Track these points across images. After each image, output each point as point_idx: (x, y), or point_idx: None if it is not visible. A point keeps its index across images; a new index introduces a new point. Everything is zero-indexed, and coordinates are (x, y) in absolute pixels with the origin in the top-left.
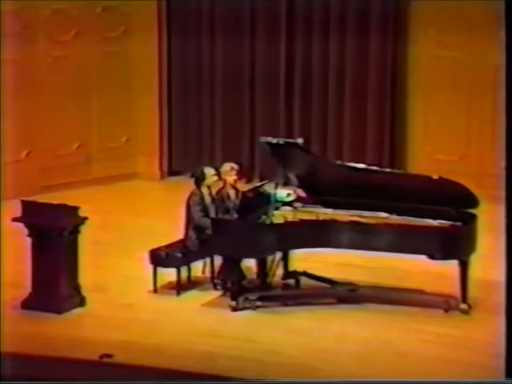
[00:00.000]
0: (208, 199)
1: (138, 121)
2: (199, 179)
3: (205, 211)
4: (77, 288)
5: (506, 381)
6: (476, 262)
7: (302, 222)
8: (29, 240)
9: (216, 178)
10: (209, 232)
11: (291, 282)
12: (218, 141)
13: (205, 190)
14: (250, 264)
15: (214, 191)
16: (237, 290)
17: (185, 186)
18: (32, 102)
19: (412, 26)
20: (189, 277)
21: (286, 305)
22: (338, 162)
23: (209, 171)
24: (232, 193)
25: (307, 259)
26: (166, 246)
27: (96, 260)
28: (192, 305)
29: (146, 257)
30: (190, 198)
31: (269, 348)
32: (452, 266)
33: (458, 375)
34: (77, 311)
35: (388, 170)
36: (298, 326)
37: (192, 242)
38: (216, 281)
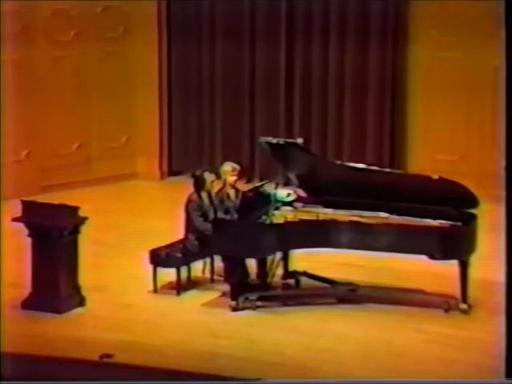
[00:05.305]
0: (207, 202)
1: (138, 121)
2: (199, 185)
3: (204, 215)
4: (77, 288)
5: (506, 381)
6: (476, 262)
7: (302, 222)
8: (29, 240)
9: (216, 182)
10: (209, 233)
11: (291, 281)
12: (218, 141)
13: (204, 195)
14: (249, 264)
15: (213, 192)
16: (238, 289)
17: (185, 186)
18: (32, 102)
19: (412, 27)
20: (189, 277)
21: (286, 305)
22: (338, 162)
23: (209, 177)
24: (232, 193)
25: (307, 259)
26: (166, 246)
27: (96, 260)
28: (192, 305)
29: (146, 257)
30: (188, 203)
31: (269, 348)
32: (452, 266)
33: (458, 375)
34: (77, 311)
35: (388, 170)
36: (297, 326)
37: (192, 243)
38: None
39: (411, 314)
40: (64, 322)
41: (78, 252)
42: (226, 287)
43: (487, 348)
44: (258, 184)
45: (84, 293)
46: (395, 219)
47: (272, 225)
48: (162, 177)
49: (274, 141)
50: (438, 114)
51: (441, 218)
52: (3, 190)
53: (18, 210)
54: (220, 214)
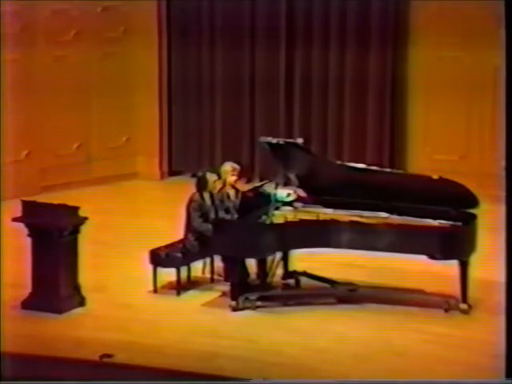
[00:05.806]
0: (208, 202)
1: (138, 121)
2: (201, 186)
3: (204, 216)
4: (77, 288)
5: (506, 381)
6: (476, 261)
7: (302, 221)
8: (29, 240)
9: (217, 182)
10: (209, 234)
11: (291, 281)
12: (218, 141)
13: (206, 195)
14: (249, 264)
15: (214, 193)
16: (238, 289)
17: (185, 186)
18: (32, 102)
19: (412, 27)
20: (189, 277)
21: (286, 305)
22: (338, 162)
23: (211, 177)
24: (232, 193)
25: (307, 259)
26: (166, 246)
27: (96, 260)
28: (192, 305)
29: (146, 257)
30: (189, 204)
31: (269, 348)
32: (452, 266)
33: (457, 375)
34: (77, 311)
35: (388, 170)
36: (298, 326)
37: (192, 243)
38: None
39: (411, 314)
40: (64, 321)
41: (78, 252)
42: (226, 287)
43: (487, 348)
44: (258, 184)
45: (84, 293)
46: (395, 219)
47: (272, 225)
48: (162, 177)
49: (274, 141)
50: (438, 114)
51: (441, 218)
52: (3, 190)
53: (18, 210)
54: (221, 214)
